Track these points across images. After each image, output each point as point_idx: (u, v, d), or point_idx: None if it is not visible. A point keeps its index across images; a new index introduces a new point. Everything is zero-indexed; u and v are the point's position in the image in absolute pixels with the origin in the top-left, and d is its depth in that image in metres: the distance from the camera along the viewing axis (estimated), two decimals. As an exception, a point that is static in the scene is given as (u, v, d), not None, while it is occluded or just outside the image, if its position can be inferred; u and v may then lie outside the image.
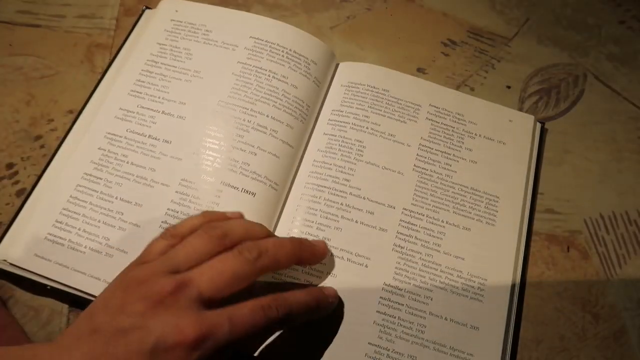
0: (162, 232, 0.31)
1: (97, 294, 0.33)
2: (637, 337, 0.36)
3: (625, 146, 0.44)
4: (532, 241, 0.39)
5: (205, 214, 0.32)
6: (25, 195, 0.37)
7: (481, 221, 0.38)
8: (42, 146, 0.40)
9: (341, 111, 0.41)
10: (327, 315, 0.32)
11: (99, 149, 0.38)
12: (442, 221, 0.38)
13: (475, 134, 0.41)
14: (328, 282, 0.35)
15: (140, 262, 0.29)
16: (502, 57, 0.48)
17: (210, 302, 0.26)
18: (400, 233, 0.37)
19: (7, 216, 0.37)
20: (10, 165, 0.39)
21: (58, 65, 0.44)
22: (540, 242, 0.39)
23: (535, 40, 0.49)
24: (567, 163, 0.43)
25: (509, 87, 0.46)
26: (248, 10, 0.48)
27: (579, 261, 0.39)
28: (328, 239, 0.36)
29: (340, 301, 0.34)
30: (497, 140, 0.41)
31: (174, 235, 0.30)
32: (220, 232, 0.29)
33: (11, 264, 0.34)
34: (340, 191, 0.38)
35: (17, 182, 0.39)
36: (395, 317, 0.34)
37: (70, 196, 0.36)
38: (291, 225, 0.37)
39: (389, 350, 0.33)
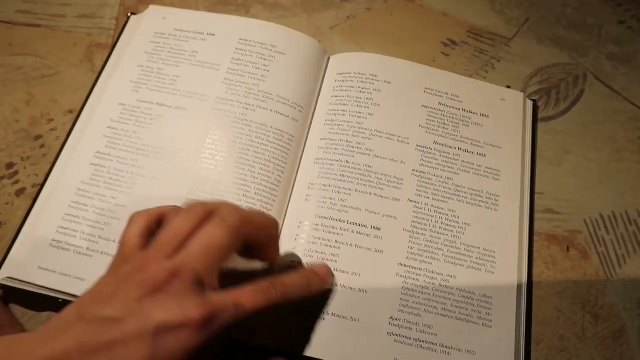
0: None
1: None
2: (637, 337, 0.36)
3: (625, 146, 0.44)
4: (532, 241, 0.39)
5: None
6: (24, 196, 0.37)
7: (481, 206, 0.38)
8: (42, 146, 0.40)
9: (336, 110, 0.41)
10: (322, 291, 0.34)
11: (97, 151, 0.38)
12: (450, 213, 0.38)
13: (470, 112, 0.42)
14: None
15: (122, 254, 0.28)
16: (502, 57, 0.48)
17: (207, 280, 0.26)
18: (413, 221, 0.37)
19: (7, 216, 0.37)
20: (10, 165, 0.39)
21: (58, 65, 0.44)
22: (540, 242, 0.39)
23: (535, 40, 0.49)
24: (567, 163, 0.43)
25: (509, 87, 0.46)
26: (248, 11, 0.48)
27: (579, 261, 0.39)
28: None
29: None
30: (490, 117, 0.42)
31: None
32: (200, 207, 0.29)
33: (17, 280, 0.33)
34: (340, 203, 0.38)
35: (17, 182, 0.39)
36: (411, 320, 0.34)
37: (71, 201, 0.36)
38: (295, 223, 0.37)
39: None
